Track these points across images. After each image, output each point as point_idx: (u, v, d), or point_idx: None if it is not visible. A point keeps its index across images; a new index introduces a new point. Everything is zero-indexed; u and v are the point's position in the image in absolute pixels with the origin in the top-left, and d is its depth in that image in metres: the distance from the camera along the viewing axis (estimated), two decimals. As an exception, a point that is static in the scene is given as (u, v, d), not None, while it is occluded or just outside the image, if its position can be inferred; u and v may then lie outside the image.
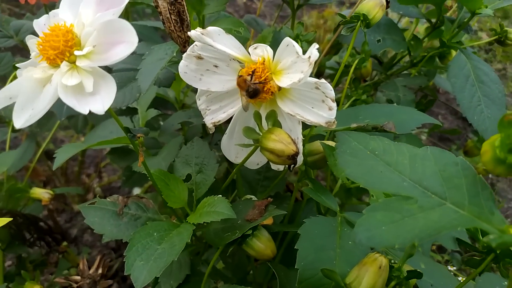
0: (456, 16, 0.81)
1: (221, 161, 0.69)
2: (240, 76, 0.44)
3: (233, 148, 0.50)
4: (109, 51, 0.36)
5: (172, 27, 0.51)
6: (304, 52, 0.41)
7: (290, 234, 0.66)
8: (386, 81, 0.81)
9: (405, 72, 0.88)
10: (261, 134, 0.44)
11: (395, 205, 0.35)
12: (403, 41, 0.78)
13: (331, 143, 0.58)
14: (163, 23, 0.52)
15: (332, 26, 2.08)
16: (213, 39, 0.44)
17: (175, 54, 0.55)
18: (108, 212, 0.60)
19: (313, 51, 0.39)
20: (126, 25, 0.35)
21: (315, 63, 0.40)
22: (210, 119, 0.50)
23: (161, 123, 0.98)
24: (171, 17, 0.51)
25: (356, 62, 0.66)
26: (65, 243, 0.96)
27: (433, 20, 0.86)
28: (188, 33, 0.44)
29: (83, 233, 1.29)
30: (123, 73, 0.62)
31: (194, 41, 0.46)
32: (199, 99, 0.51)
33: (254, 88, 0.43)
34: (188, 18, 0.52)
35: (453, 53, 0.80)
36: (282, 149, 0.41)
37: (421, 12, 0.88)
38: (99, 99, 0.35)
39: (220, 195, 0.55)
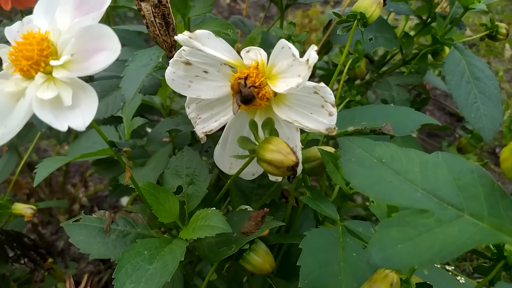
0: (448, 12, 0.79)
1: (212, 167, 0.66)
2: (235, 80, 0.41)
3: (226, 159, 0.47)
4: (89, 60, 0.33)
5: (157, 31, 0.48)
6: (301, 55, 0.38)
7: (286, 244, 0.64)
8: (378, 80, 0.79)
9: (396, 70, 0.85)
10: (257, 144, 0.41)
11: (410, 219, 0.32)
12: (395, 39, 0.76)
13: (329, 148, 0.55)
14: (147, 27, 0.49)
15: (318, 25, 2.06)
16: (202, 43, 0.41)
17: (160, 59, 0.51)
18: (94, 229, 0.56)
19: (312, 54, 0.36)
20: (107, 30, 0.32)
21: (314, 66, 0.37)
22: (201, 129, 0.47)
23: (148, 130, 0.95)
24: (155, 21, 0.47)
25: (350, 62, 0.63)
26: (50, 260, 0.92)
27: (424, 17, 0.84)
28: (175, 37, 0.41)
29: (70, 245, 1.24)
30: (105, 81, 0.59)
31: (181, 46, 0.43)
32: (189, 107, 0.48)
33: (248, 94, 0.40)
34: (174, 21, 0.49)
35: (446, 49, 0.78)
36: (281, 160, 0.38)
37: (411, 8, 0.86)
38: (79, 113, 0.32)
39: (214, 208, 0.52)
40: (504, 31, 0.83)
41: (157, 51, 0.54)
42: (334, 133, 0.41)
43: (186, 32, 0.41)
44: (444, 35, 0.77)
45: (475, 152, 1.38)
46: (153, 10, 0.46)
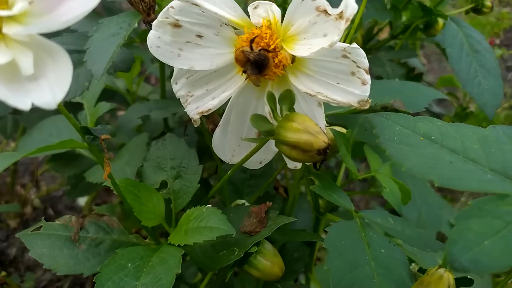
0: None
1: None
2: (239, 49, 0.33)
3: (227, 145, 0.39)
4: (56, 8, 0.23)
5: (133, -13, 0.38)
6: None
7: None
8: (369, 56, 0.72)
9: (385, 46, 0.79)
10: (276, 122, 0.32)
11: (490, 207, 0.25)
12: (387, 10, 0.70)
13: (340, 128, 0.48)
14: (119, -17, 0.39)
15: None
16: (200, -4, 0.32)
17: (136, 25, 0.41)
18: (60, 239, 0.46)
19: (350, 2, 0.28)
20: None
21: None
22: (195, 108, 0.38)
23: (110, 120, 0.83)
24: (130, -26, 0.37)
25: (346, 33, 0.56)
26: (3, 273, 0.80)
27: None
28: (164, -12, 0.32)
29: (24, 251, 1.11)
30: (64, 57, 0.48)
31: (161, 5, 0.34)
32: (176, 83, 0.39)
33: (258, 58, 0.32)
34: (154, -25, 0.39)
35: (440, 22, 0.73)
36: (309, 142, 0.30)
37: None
38: (46, 86, 0.22)
39: (210, 205, 0.43)
40: (489, 3, 0.79)
41: (128, 17, 0.44)
42: (367, 106, 0.33)
43: (178, -18, 0.32)
44: (437, 5, 0.72)
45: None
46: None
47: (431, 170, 0.28)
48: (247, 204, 0.51)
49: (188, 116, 0.39)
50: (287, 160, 0.35)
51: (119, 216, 0.72)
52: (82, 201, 1.17)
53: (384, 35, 0.83)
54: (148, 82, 0.99)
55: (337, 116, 0.49)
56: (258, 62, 0.32)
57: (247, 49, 0.32)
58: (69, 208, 1.24)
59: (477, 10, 0.79)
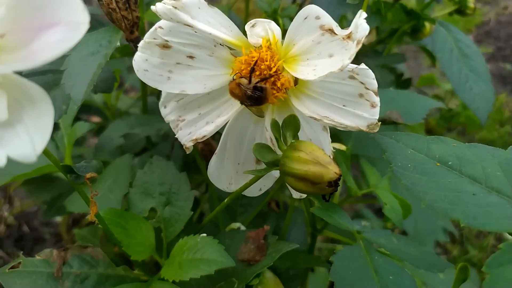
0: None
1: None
2: (233, 80, 0.30)
3: (224, 173, 0.36)
4: (32, 43, 0.20)
5: (114, 4, 0.35)
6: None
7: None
8: (355, 62, 0.70)
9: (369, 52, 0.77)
10: (281, 152, 0.30)
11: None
12: (373, 15, 0.68)
13: (339, 146, 0.46)
14: (98, -1, 0.35)
15: (256, 10, 1.95)
16: (192, 15, 0.29)
17: (116, 44, 0.38)
18: (41, 277, 0.42)
19: (360, 23, 0.26)
20: (62, -9, 0.19)
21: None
22: (187, 134, 0.35)
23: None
24: (111, -10, 0.34)
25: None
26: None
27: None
28: (154, 8, 0.29)
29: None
30: (37, 78, 0.44)
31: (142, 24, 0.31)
32: (165, 107, 0.36)
33: (255, 94, 0.29)
34: (136, -10, 0.36)
35: (427, 26, 0.71)
36: (320, 173, 0.28)
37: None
38: (24, 134, 0.19)
39: (204, 234, 0.40)
40: (472, 5, 0.78)
41: (108, 33, 0.40)
42: (376, 130, 0.30)
43: (168, 0, 0.28)
44: (424, 9, 0.70)
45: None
46: (108, -26, 0.33)
47: (454, 206, 0.26)
48: (242, 227, 0.48)
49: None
50: (292, 190, 0.33)
51: (102, 238, 0.68)
52: (58, 217, 1.12)
53: (367, 39, 0.81)
54: (125, 93, 0.95)
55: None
56: (255, 98, 0.29)
57: (244, 81, 0.29)
58: (45, 224, 1.18)
59: (461, 11, 0.78)
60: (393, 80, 0.67)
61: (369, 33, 0.78)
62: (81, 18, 0.19)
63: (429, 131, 0.97)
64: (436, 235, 0.64)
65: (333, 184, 0.28)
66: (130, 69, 0.82)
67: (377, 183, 0.50)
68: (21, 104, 0.20)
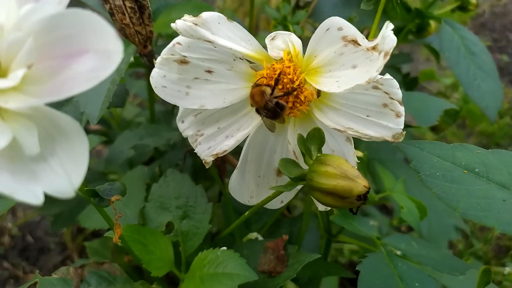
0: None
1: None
2: (256, 85, 0.29)
3: (246, 186, 0.35)
4: (61, 72, 0.19)
5: (127, 19, 0.34)
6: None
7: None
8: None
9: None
10: (307, 166, 0.29)
11: None
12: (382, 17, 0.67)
13: (356, 152, 0.45)
14: (111, 14, 0.35)
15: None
16: (212, 31, 0.28)
17: (132, 58, 0.37)
18: (59, 296, 0.41)
19: (388, 34, 0.25)
20: (90, 18, 0.18)
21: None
22: (207, 149, 0.34)
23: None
24: (124, 5, 0.33)
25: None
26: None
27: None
28: (174, 25, 0.28)
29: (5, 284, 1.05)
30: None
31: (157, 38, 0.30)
32: (183, 122, 0.35)
33: (274, 109, 0.29)
34: (149, 5, 0.35)
35: (433, 24, 0.71)
36: (348, 188, 0.27)
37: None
38: (59, 168, 0.18)
39: (225, 247, 0.40)
40: (474, 1, 0.78)
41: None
42: (401, 139, 0.30)
43: (187, 17, 0.28)
44: (428, 7, 0.70)
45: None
46: (121, -11, 0.32)
47: (487, 213, 0.26)
48: (259, 237, 0.47)
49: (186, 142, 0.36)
50: (317, 203, 0.32)
51: (113, 249, 0.67)
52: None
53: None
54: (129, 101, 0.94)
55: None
56: (272, 111, 0.29)
57: (268, 91, 0.28)
58: (49, 234, 1.17)
59: (463, 8, 0.78)
60: (401, 80, 0.66)
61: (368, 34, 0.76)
62: (113, 47, 0.18)
63: (434, 128, 0.96)
64: (449, 234, 0.64)
65: (362, 197, 0.27)
66: (135, 76, 0.81)
67: (393, 186, 0.50)
68: (53, 136, 0.19)
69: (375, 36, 0.36)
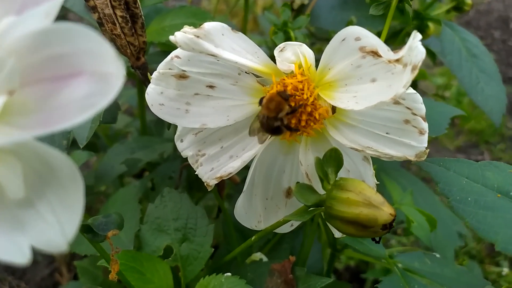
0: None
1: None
2: (281, 93, 0.27)
3: (253, 211, 0.32)
4: (50, 99, 0.16)
5: (118, 29, 0.31)
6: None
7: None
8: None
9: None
10: (325, 193, 0.26)
11: None
12: (377, 18, 0.65)
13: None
14: (100, 24, 0.31)
15: (239, 11, 1.91)
16: (215, 44, 0.25)
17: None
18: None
19: (416, 45, 0.23)
20: (85, 35, 0.15)
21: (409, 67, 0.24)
22: (210, 171, 0.31)
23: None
24: (115, 14, 0.30)
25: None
26: None
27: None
28: (173, 38, 0.25)
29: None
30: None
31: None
32: (182, 141, 0.32)
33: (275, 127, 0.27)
34: (142, 13, 0.32)
35: (431, 27, 0.69)
36: (373, 217, 0.24)
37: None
38: (49, 215, 0.15)
39: (229, 274, 0.37)
40: (469, 1, 0.76)
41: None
42: (424, 158, 0.28)
43: (188, 28, 0.25)
44: (426, 9, 0.68)
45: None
46: (112, -3, 0.29)
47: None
48: (264, 258, 0.45)
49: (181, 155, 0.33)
50: (334, 230, 0.30)
51: (104, 268, 0.63)
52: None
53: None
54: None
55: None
56: (275, 129, 0.26)
57: (287, 108, 0.25)
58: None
59: (458, 8, 0.76)
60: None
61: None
62: (112, 69, 0.15)
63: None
64: (455, 242, 0.62)
65: (388, 226, 0.25)
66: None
67: (400, 199, 0.47)
68: (42, 177, 0.16)
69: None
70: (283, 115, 0.26)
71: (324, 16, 0.64)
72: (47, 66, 0.16)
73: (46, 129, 0.15)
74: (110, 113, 0.38)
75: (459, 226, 0.72)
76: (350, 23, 0.56)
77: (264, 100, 0.26)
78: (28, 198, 0.16)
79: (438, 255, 0.46)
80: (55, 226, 0.15)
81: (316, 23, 0.63)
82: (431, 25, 0.70)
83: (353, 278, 0.90)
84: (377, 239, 0.27)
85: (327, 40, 0.68)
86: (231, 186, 0.63)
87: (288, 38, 0.43)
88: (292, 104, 0.26)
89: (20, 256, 0.14)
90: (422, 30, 0.70)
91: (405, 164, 0.96)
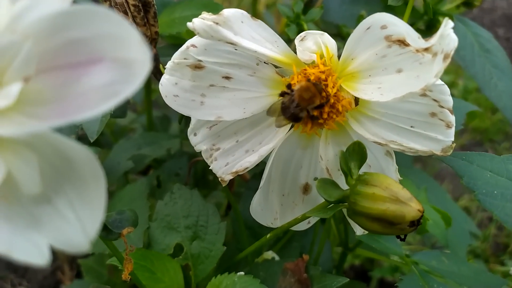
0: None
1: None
2: (287, 94, 0.25)
3: (269, 207, 0.31)
4: (68, 87, 0.15)
5: (130, 19, 0.30)
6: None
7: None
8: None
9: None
10: (348, 188, 0.25)
11: None
12: (387, 11, 0.64)
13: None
14: (111, 14, 0.30)
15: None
16: (235, 31, 0.24)
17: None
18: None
19: (448, 33, 0.22)
20: (107, 17, 0.14)
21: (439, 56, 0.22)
22: (224, 166, 0.30)
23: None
24: (127, 3, 0.29)
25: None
26: None
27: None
28: (191, 24, 0.24)
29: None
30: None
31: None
32: (195, 134, 0.31)
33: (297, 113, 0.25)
34: (154, 2, 0.31)
35: (442, 21, 0.68)
36: (400, 213, 0.23)
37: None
38: (69, 212, 0.14)
39: (242, 272, 0.35)
40: (480, -4, 0.75)
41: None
42: (450, 152, 0.26)
43: (207, 14, 0.24)
44: (438, 3, 0.67)
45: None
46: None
47: None
48: (276, 257, 0.43)
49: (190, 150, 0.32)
50: (355, 227, 0.29)
51: (109, 267, 0.62)
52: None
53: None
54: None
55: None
56: (296, 114, 0.25)
57: (318, 101, 0.24)
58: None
59: (468, 3, 0.75)
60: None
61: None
62: (136, 55, 0.14)
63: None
64: (467, 240, 0.61)
65: (416, 223, 0.24)
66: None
67: (415, 196, 0.46)
68: (59, 170, 0.15)
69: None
70: (312, 107, 0.24)
71: (334, 10, 0.62)
72: (65, 51, 0.15)
73: (64, 119, 0.14)
74: (120, 107, 0.37)
75: (470, 225, 0.71)
76: (360, 18, 0.54)
77: (298, 87, 0.25)
78: (45, 193, 0.15)
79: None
80: (75, 224, 0.14)
81: (326, 17, 0.61)
82: (442, 20, 0.68)
83: (357, 276, 0.89)
84: (402, 236, 0.26)
85: (336, 35, 0.67)
86: (238, 184, 0.62)
87: (300, 31, 0.42)
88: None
89: (38, 257, 0.13)
90: (433, 25, 0.69)
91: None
